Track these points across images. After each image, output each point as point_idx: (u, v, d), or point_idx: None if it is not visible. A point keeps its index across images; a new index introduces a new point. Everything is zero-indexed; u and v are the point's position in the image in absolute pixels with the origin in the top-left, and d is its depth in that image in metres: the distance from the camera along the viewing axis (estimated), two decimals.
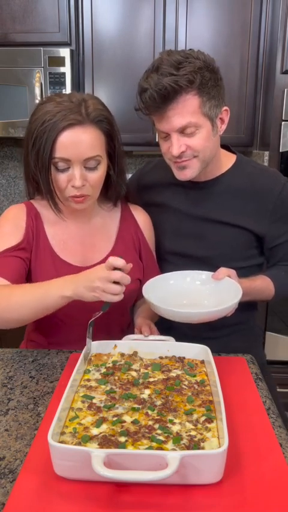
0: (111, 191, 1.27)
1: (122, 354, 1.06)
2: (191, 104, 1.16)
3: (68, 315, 1.18)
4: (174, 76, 1.12)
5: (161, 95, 1.13)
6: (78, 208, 1.19)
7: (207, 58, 1.17)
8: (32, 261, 1.22)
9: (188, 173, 1.25)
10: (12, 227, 1.21)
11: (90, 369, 1.00)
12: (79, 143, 1.09)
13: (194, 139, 1.19)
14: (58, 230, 1.25)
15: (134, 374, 0.99)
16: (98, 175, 1.15)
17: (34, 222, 1.23)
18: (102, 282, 0.95)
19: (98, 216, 1.30)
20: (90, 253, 1.26)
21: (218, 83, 1.20)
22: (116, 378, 0.97)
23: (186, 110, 1.16)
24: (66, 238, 1.26)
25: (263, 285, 1.33)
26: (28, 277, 1.22)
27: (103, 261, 1.25)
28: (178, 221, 1.38)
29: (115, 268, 0.96)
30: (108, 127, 1.15)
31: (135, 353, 1.06)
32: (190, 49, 1.19)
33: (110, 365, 1.02)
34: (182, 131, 1.18)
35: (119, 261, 0.96)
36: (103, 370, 1.00)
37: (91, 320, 1.03)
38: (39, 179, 1.15)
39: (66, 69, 2.32)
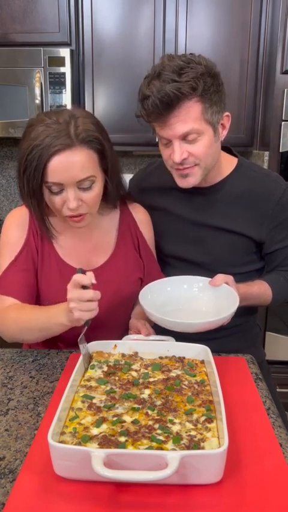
0: (109, 199, 1.26)
1: (123, 355, 1.06)
2: (193, 110, 1.14)
3: None
4: (177, 82, 1.10)
5: (164, 102, 1.11)
6: (78, 226, 1.18)
7: (208, 63, 1.15)
8: (38, 265, 1.23)
9: (190, 181, 1.24)
10: (17, 234, 1.23)
11: (95, 363, 1.01)
12: (69, 166, 1.07)
13: (196, 146, 1.18)
14: (62, 234, 1.26)
15: (134, 374, 0.99)
16: (93, 195, 1.13)
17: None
18: (77, 302, 0.97)
19: (99, 220, 1.30)
20: (93, 256, 1.27)
21: (220, 89, 1.18)
22: (116, 378, 0.97)
23: (189, 116, 1.14)
24: (69, 242, 1.26)
25: (260, 290, 1.32)
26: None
27: (105, 263, 1.27)
28: (178, 226, 1.38)
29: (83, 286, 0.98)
30: (99, 146, 1.11)
31: (135, 353, 1.06)
32: (191, 53, 1.18)
33: (112, 363, 1.02)
34: (184, 138, 1.17)
35: (84, 279, 0.97)
36: (105, 368, 1.00)
37: (80, 337, 1.01)
38: (30, 206, 1.16)
39: (66, 69, 2.33)
